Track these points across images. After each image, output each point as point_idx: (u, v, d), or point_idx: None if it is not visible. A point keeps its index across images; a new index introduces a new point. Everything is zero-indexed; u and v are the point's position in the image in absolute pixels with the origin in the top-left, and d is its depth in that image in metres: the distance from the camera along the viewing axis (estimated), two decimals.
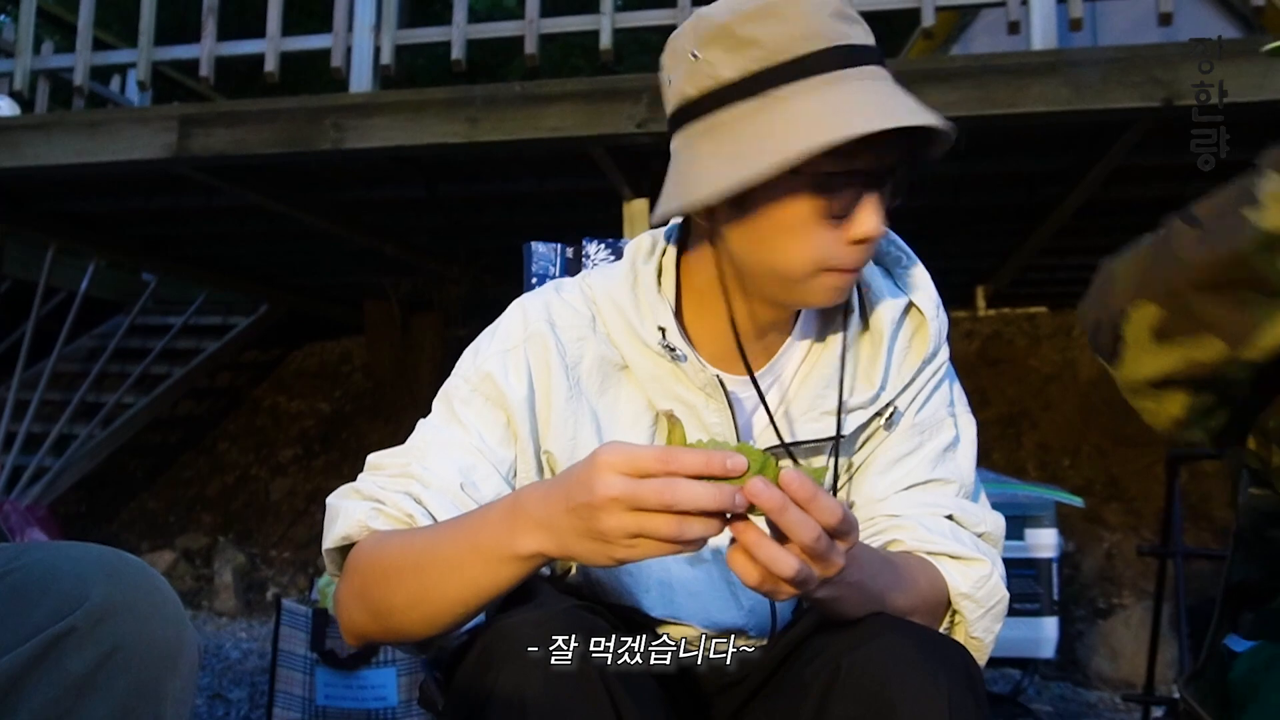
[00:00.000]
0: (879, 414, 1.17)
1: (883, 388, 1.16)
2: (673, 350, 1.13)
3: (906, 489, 1.18)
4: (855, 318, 1.18)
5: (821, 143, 0.96)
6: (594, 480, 0.84)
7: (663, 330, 1.13)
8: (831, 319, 1.20)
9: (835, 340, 1.18)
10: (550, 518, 0.89)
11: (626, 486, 0.83)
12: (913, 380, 1.19)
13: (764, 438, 1.17)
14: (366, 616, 1.06)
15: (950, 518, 1.17)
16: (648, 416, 1.17)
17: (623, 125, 3.47)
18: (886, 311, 1.17)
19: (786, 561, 0.86)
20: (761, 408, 1.17)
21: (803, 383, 1.18)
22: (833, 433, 1.14)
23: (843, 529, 0.89)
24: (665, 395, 1.15)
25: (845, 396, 1.16)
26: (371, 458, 1.14)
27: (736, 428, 1.16)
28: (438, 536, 1.01)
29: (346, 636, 1.11)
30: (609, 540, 0.85)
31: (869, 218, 1.03)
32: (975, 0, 3.88)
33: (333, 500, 1.11)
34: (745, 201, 1.05)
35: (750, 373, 1.15)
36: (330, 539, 1.09)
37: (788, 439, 1.14)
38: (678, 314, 1.17)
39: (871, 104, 0.99)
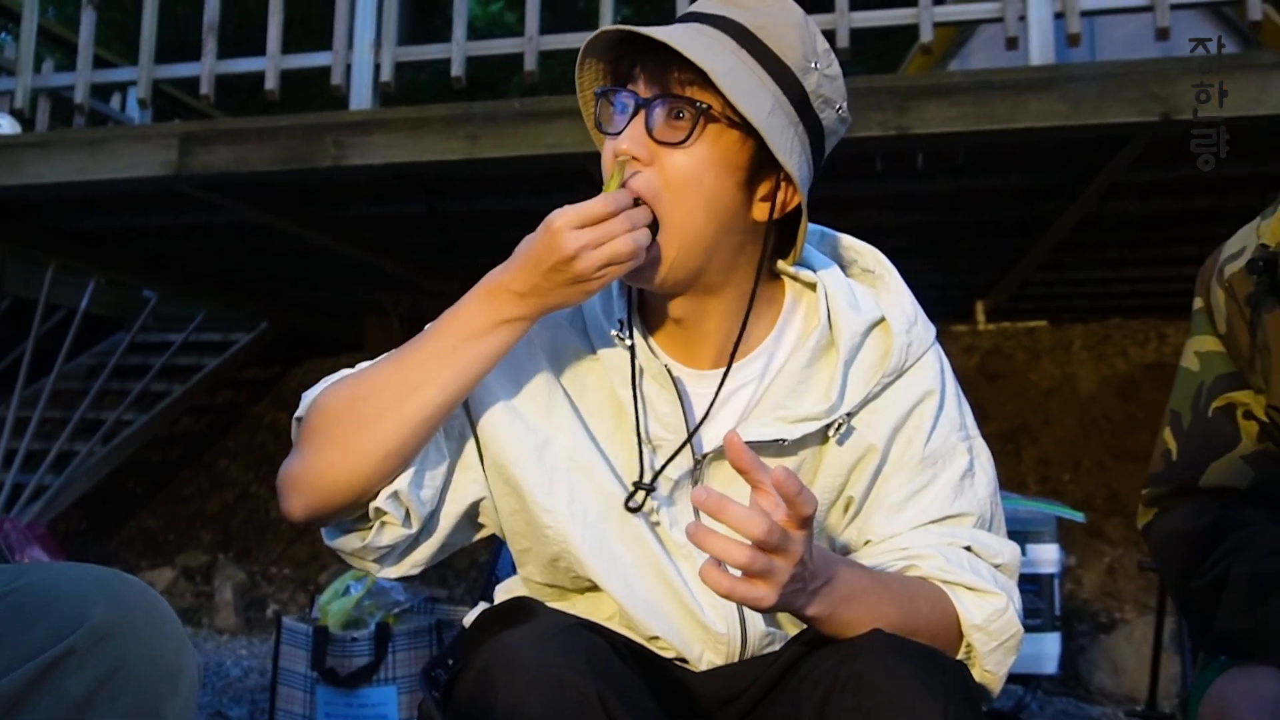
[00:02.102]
0: (829, 426, 1.16)
1: (840, 401, 1.16)
2: (630, 343, 1.17)
3: (925, 525, 1.17)
4: (821, 329, 1.18)
5: (590, 42, 1.13)
6: (558, 241, 1.03)
7: (621, 322, 1.18)
8: (809, 328, 1.21)
9: (806, 348, 1.18)
10: (529, 284, 1.07)
11: (589, 235, 1.03)
12: (873, 397, 1.18)
13: (709, 432, 1.18)
14: (333, 450, 1.13)
15: (968, 549, 1.17)
16: (611, 407, 1.19)
17: None
18: (848, 325, 1.17)
19: (737, 550, 0.93)
20: (717, 404, 1.18)
21: (771, 386, 1.18)
22: (778, 436, 1.14)
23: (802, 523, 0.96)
24: (624, 384, 1.18)
25: (792, 404, 1.17)
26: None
27: (685, 417, 1.17)
28: (415, 341, 1.14)
29: (294, 504, 1.16)
30: (585, 279, 1.05)
31: (624, 134, 1.11)
32: (973, 16, 3.88)
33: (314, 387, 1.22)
34: None
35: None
36: (303, 408, 1.20)
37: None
38: (648, 311, 1.21)
39: (659, 34, 1.06)
